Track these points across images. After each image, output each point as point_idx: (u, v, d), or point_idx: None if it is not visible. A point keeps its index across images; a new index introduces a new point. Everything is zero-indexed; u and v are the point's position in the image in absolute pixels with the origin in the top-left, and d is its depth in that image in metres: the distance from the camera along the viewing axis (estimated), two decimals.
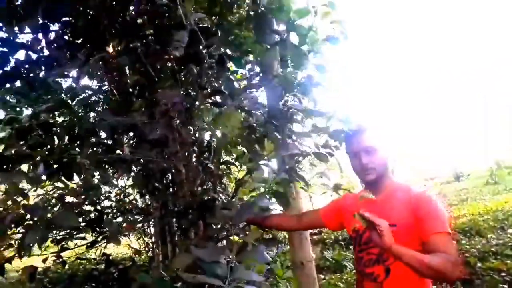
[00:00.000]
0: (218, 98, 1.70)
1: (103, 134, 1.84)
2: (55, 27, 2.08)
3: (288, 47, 2.18)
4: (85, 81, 2.43)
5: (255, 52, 2.27)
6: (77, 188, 1.99)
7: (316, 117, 1.82)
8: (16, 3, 1.85)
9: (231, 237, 1.74)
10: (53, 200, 2.04)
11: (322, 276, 5.07)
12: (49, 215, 1.40)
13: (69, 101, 1.82)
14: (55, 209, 1.91)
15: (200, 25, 1.60)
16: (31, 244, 1.37)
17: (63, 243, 2.00)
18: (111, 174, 2.29)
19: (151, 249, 5.08)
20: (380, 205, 1.52)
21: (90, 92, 2.16)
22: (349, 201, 1.75)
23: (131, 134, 2.11)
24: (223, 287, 1.19)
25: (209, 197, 1.83)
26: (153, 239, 4.40)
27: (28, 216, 1.49)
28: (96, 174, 2.02)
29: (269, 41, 2.26)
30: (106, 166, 2.02)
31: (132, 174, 2.40)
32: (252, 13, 2.30)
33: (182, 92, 1.60)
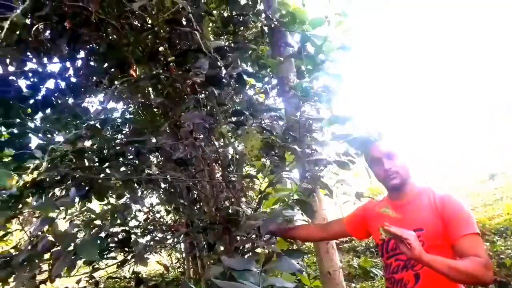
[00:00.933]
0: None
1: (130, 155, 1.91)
2: (81, 55, 2.19)
3: (303, 58, 2.21)
4: (110, 103, 2.54)
5: (271, 65, 2.31)
6: (107, 209, 2.06)
7: (335, 125, 1.82)
8: (43, 35, 1.97)
9: (256, 250, 1.75)
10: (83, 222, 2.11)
11: (353, 285, 4.98)
12: (77, 241, 1.47)
13: (98, 125, 1.90)
14: (85, 231, 1.98)
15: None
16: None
17: (94, 263, 2.06)
18: (140, 193, 2.36)
19: (182, 265, 5.14)
20: (406, 209, 1.50)
21: (117, 116, 2.24)
22: (373, 209, 1.70)
23: (157, 153, 2.17)
24: None
25: (233, 211, 1.85)
26: (184, 255, 4.45)
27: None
28: (126, 193, 2.09)
29: (284, 54, 2.30)
30: (135, 185, 2.08)
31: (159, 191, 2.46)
32: (265, 28, 2.36)
33: (204, 110, 1.65)
